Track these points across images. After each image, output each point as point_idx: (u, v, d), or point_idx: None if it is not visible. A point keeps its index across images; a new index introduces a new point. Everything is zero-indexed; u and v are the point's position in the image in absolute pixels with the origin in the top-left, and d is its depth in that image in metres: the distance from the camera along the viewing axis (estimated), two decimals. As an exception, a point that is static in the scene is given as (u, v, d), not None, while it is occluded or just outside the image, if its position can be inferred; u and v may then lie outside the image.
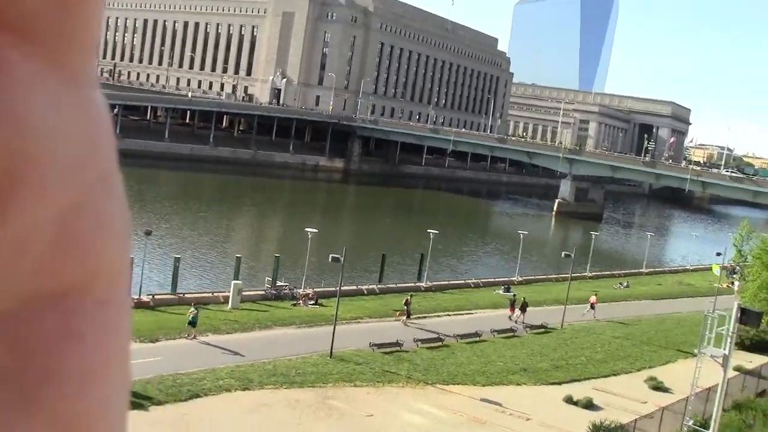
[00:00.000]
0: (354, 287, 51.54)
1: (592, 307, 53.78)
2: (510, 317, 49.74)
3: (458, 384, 36.90)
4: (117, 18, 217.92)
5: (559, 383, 38.90)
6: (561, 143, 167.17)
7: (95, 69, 0.39)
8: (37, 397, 0.39)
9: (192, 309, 38.63)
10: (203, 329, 39.17)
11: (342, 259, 42.53)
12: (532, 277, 66.14)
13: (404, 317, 46.04)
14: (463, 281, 61.50)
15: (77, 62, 0.38)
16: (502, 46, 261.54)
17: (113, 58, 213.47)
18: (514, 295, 53.82)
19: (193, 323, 38.00)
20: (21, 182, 0.33)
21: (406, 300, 47.32)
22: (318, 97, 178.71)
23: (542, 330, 48.54)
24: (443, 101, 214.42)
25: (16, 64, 0.34)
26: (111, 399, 0.45)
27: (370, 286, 54.05)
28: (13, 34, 0.34)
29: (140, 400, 29.87)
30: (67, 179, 0.36)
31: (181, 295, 45.18)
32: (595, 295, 56.47)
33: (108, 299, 0.42)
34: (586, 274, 69.14)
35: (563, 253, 60.77)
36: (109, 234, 0.40)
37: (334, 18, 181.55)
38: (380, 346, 39.59)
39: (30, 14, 0.34)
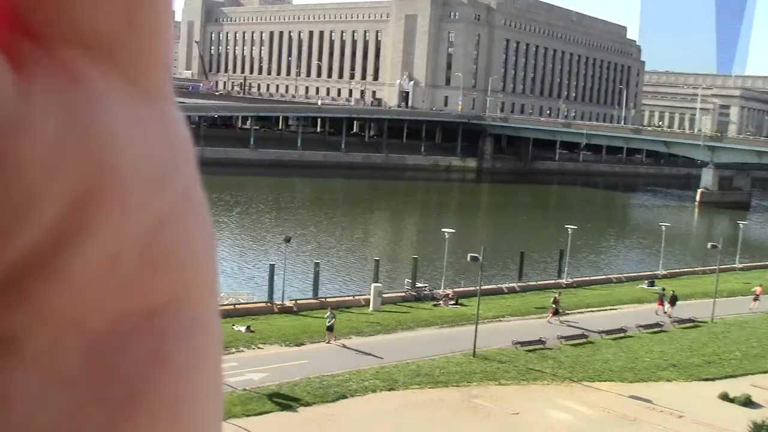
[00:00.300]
0: (494, 286, 51.19)
1: (756, 298, 51.27)
2: (658, 312, 48.12)
3: (605, 381, 36.05)
4: (244, 32, 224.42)
5: (713, 379, 37.37)
6: (700, 130, 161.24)
7: (170, 84, 0.40)
8: (127, 423, 0.38)
9: (329, 314, 39.12)
10: (346, 332, 39.74)
11: (480, 258, 42.33)
12: (677, 270, 63.95)
13: (551, 315, 45.10)
14: (604, 276, 60.10)
15: (152, 78, 0.38)
16: (631, 35, 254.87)
17: (243, 71, 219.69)
18: (663, 288, 52.05)
19: (330, 329, 38.48)
20: (105, 197, 0.34)
21: (554, 298, 46.37)
22: (446, 98, 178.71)
23: (691, 324, 46.81)
24: (573, 95, 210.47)
25: (95, 81, 0.35)
26: (204, 424, 0.44)
27: (510, 285, 53.56)
28: (89, 53, 0.35)
29: (289, 402, 30.62)
30: (149, 195, 0.37)
31: (323, 299, 45.94)
32: (761, 286, 53.46)
33: (198, 319, 0.42)
34: (735, 265, 66.29)
35: (709, 244, 58.34)
36: (195, 251, 0.40)
37: (457, 17, 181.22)
38: (523, 344, 39.16)
39: (104, 34, 0.35)
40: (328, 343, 38.24)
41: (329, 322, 38.40)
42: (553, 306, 45.45)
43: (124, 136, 0.35)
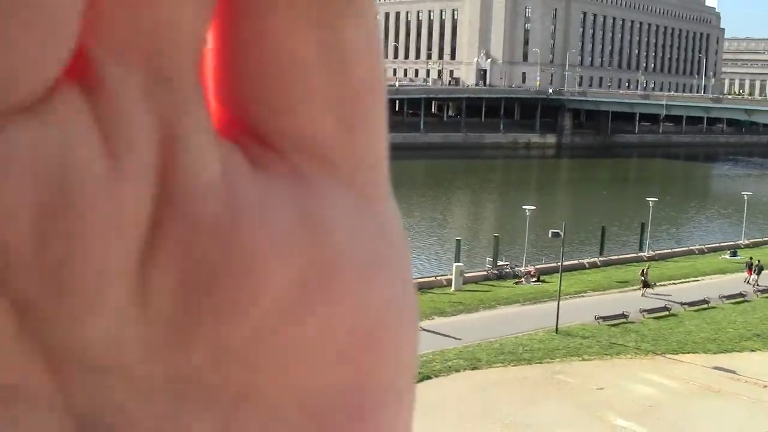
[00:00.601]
0: (575, 261, 51.29)
1: None
2: (750, 281, 47.62)
3: (688, 353, 36.20)
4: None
5: (800, 349, 37.22)
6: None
7: (387, 181, 0.43)
8: None
9: None
10: (429, 312, 40.55)
11: (562, 234, 42.64)
12: (760, 240, 62.88)
13: (644, 288, 45.12)
14: (686, 248, 59.61)
15: (368, 179, 0.41)
16: (710, 2, 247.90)
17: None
18: (751, 258, 51.42)
19: None
20: (324, 281, 0.37)
21: (643, 271, 46.31)
22: (524, 74, 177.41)
23: (775, 293, 46.32)
24: (652, 65, 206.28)
25: (319, 181, 0.39)
26: None
27: (591, 260, 53.64)
28: (314, 158, 0.39)
29: (374, 383, 31.62)
30: (363, 282, 0.40)
31: (406, 279, 46.69)
32: None
33: (402, 393, 0.44)
34: (822, 232, 64.95)
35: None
36: (405, 328, 0.43)
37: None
38: (605, 318, 39.45)
39: (326, 142, 0.39)
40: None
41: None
42: (642, 279, 45.46)
43: (344, 229, 0.39)
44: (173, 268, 0.35)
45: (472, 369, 33.75)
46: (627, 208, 74.28)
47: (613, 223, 65.54)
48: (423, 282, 46.24)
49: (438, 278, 47.49)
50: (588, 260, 53.29)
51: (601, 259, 54.09)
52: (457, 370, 33.43)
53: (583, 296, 44.98)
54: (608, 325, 39.19)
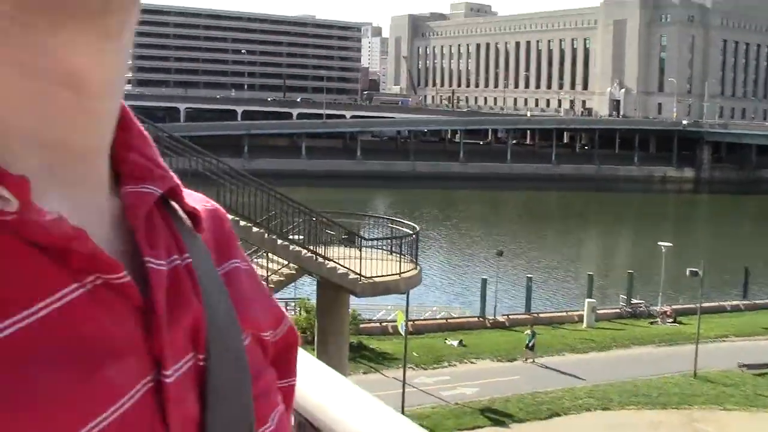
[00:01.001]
0: (715, 303, 48.59)
1: None
2: None
3: None
4: (450, 46, 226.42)
5: None
6: None
7: None
8: None
9: (528, 332, 38.46)
10: (559, 348, 39.22)
11: (701, 273, 40.53)
12: None
13: None
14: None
15: None
16: None
17: (450, 84, 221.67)
18: None
19: (530, 347, 37.66)
20: None
21: None
22: (660, 105, 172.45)
23: None
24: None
25: None
26: None
27: (734, 302, 50.83)
28: None
29: (502, 418, 30.62)
30: None
31: (535, 314, 45.56)
32: None
33: None
34: None
35: None
36: None
37: (668, 20, 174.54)
38: (750, 366, 37.02)
39: None
40: (525, 362, 37.51)
41: (529, 341, 37.84)
42: None
43: None
44: None
45: (603, 409, 32.24)
46: (775, 249, 70.38)
47: (758, 264, 61.92)
48: (554, 317, 45.13)
49: (569, 314, 46.14)
50: (730, 303, 50.49)
51: (744, 302, 51.15)
52: (588, 409, 32.01)
53: (724, 341, 42.51)
54: (753, 373, 36.72)
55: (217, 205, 0.85)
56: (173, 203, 0.74)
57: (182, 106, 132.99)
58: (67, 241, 0.56)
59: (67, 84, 0.56)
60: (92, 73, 0.57)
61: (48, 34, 0.53)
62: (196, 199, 0.81)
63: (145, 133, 0.72)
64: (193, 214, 0.76)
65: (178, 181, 0.74)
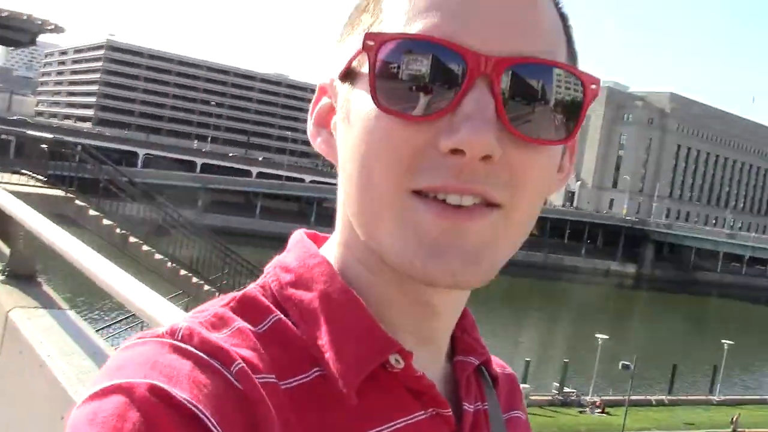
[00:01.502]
0: (642, 397, 50.62)
1: None
2: None
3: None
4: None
5: None
6: None
7: None
8: None
9: None
10: None
11: (632, 366, 42.25)
12: None
13: None
14: (759, 396, 58.34)
15: None
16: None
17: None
18: None
19: None
20: None
21: (733, 418, 45.33)
22: (612, 200, 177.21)
23: None
24: (741, 205, 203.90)
25: None
26: None
27: (659, 397, 52.98)
28: None
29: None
30: None
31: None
32: None
33: None
34: None
35: None
36: None
37: (630, 119, 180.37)
38: (669, 460, 38.88)
39: None
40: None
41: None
42: (732, 425, 44.61)
43: None
44: None
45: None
46: (701, 348, 73.17)
47: (686, 361, 64.59)
48: (488, 398, 46.26)
49: (503, 397, 47.22)
50: (656, 397, 52.61)
51: (669, 397, 53.34)
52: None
53: (647, 434, 44.40)
54: (672, 468, 38.55)
55: (511, 370, 1.28)
56: (483, 368, 1.11)
57: (141, 152, 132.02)
58: (425, 389, 0.91)
59: (426, 305, 0.94)
60: (446, 305, 0.96)
61: (420, 290, 0.91)
62: (497, 362, 1.21)
63: (473, 318, 1.12)
64: (494, 376, 1.14)
65: (490, 355, 1.14)
